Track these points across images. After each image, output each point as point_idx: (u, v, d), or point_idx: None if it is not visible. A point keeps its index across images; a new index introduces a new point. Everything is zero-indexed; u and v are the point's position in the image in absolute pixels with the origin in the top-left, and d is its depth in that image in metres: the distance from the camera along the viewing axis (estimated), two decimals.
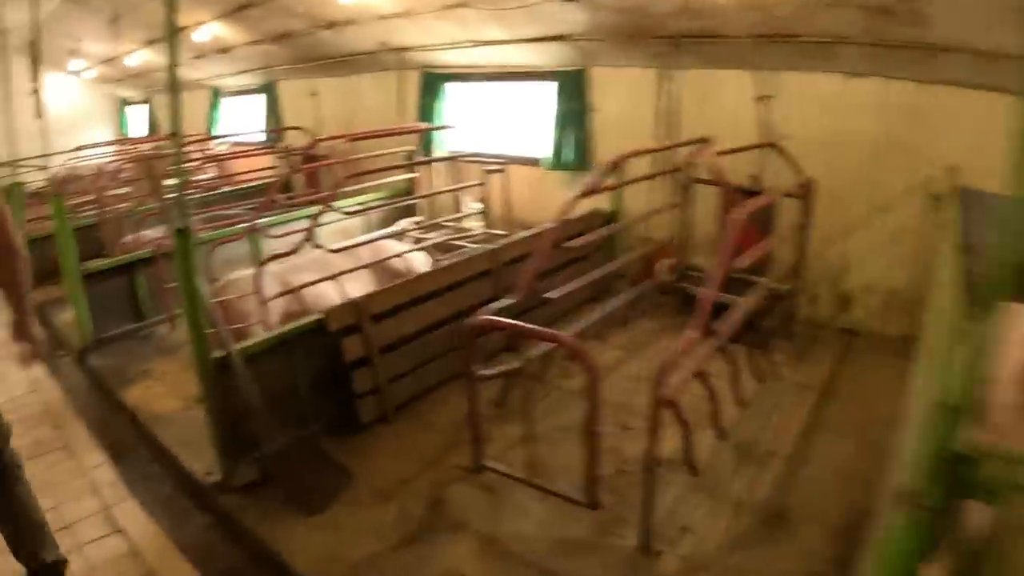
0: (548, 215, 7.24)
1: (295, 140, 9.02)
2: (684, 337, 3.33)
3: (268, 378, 3.92)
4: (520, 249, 5.57)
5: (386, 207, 6.89)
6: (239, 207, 7.94)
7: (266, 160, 9.12)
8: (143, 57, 9.88)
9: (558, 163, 7.11)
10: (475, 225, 7.18)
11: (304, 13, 7.01)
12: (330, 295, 5.21)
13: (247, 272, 5.23)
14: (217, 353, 3.67)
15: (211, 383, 3.67)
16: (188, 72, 10.61)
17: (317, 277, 5.16)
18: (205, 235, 6.20)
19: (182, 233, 3.45)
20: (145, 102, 13.72)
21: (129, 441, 4.56)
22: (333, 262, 5.50)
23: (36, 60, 6.35)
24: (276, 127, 9.86)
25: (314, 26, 7.21)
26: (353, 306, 4.24)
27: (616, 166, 4.38)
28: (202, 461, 4.06)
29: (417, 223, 6.95)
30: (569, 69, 6.90)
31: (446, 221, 6.73)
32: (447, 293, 4.88)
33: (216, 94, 11.43)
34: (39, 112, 6.32)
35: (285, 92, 9.97)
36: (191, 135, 10.31)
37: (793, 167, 5.14)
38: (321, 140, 6.13)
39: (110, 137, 13.54)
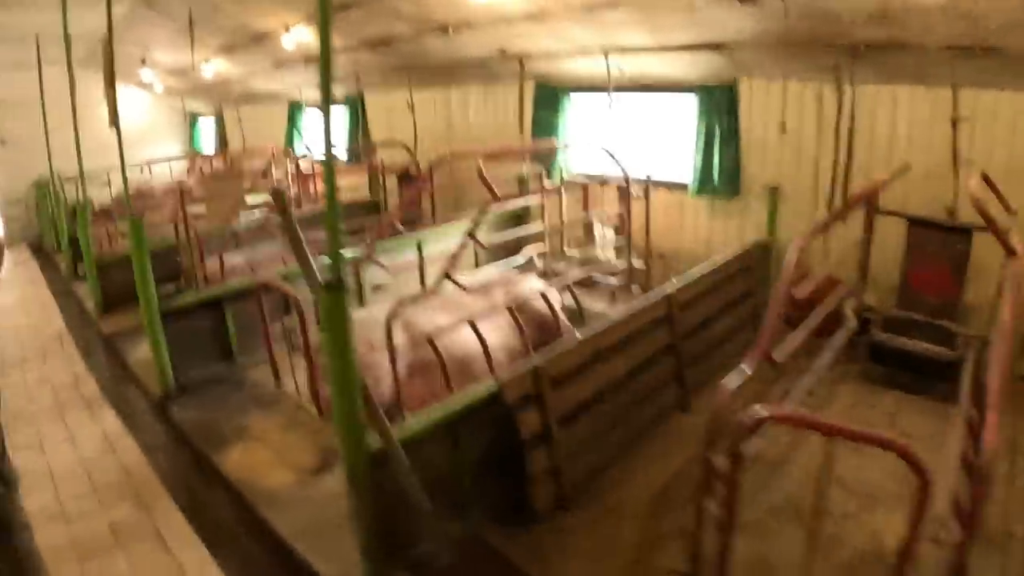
0: (691, 245, 6.39)
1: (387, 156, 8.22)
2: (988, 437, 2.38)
3: (425, 463, 3.00)
4: (695, 290, 4.61)
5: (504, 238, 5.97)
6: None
7: (352, 178, 8.30)
8: (217, 67, 9.18)
9: (704, 187, 6.15)
10: (608, 256, 6.24)
11: (413, 15, 6.19)
12: (467, 342, 4.29)
13: (364, 314, 4.34)
14: (374, 445, 2.76)
15: (364, 481, 2.74)
16: (265, 83, 9.94)
17: (449, 319, 4.24)
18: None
19: (334, 290, 2.54)
20: (215, 115, 13.12)
21: (233, 526, 3.64)
22: (462, 300, 4.61)
23: (110, 63, 5.61)
24: (362, 142, 9.08)
25: (422, 30, 6.39)
26: (532, 372, 3.28)
27: (864, 200, 3.42)
28: (335, 561, 3.15)
29: (541, 254, 6.03)
30: (715, 83, 5.96)
31: (576, 252, 5.80)
32: (625, 346, 3.92)
33: (295, 107, 10.76)
34: (113, 121, 5.55)
35: (372, 104, 9.19)
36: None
37: (1001, 200, 4.17)
38: (448, 156, 5.20)
39: (177, 152, 12.96)
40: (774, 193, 5.85)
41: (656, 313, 4.18)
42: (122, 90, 12.11)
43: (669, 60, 5.91)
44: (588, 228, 6.47)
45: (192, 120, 14.04)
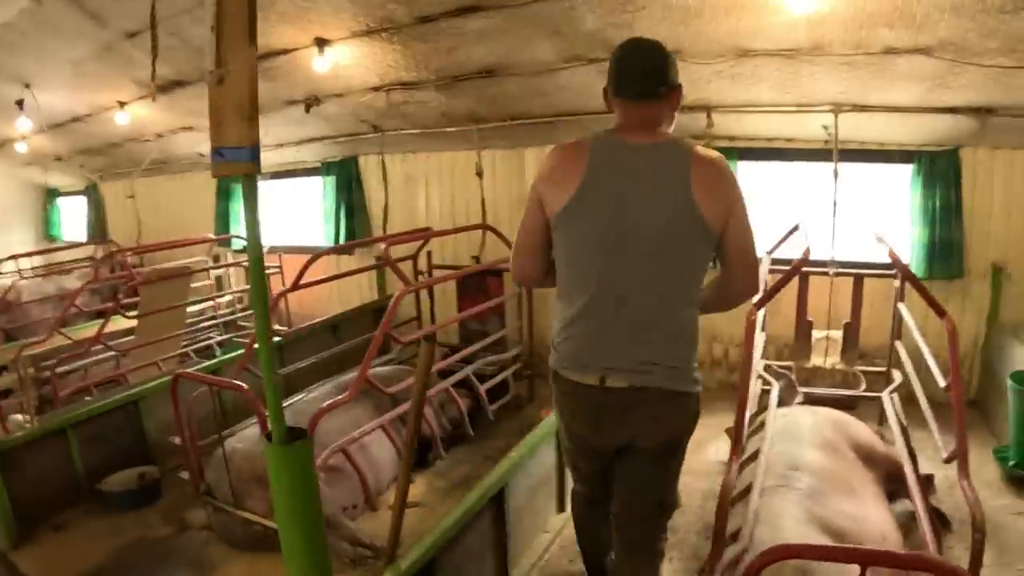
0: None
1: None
2: None
3: None
4: None
5: None
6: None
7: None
8: (138, 112, 6.18)
9: (928, 269, 4.97)
10: (832, 364, 4.65)
11: (589, 34, 4.22)
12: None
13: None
14: None
15: None
16: (192, 140, 7.01)
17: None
18: None
19: None
20: (85, 192, 9.23)
21: None
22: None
23: None
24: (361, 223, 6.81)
25: (579, 56, 4.45)
26: None
27: None
28: None
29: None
30: (936, 149, 4.82)
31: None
32: None
33: (230, 178, 7.67)
34: None
35: (376, 171, 6.82)
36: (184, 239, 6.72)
37: None
38: None
39: (32, 243, 9.02)
40: (999, 273, 4.86)
41: None
42: None
43: (900, 121, 4.67)
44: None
45: (50, 200, 10.09)
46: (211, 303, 6.99)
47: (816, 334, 4.81)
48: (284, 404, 3.74)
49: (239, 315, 7.20)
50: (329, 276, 5.10)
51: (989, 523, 3.42)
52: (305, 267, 4.53)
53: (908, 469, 3.20)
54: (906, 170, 4.95)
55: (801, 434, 3.23)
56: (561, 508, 3.71)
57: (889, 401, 3.96)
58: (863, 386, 4.50)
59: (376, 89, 5.40)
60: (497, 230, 5.40)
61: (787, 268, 4.39)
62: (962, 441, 2.56)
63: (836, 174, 4.85)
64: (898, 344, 4.35)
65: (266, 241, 7.16)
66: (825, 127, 4.80)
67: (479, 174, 6.09)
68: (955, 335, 2.85)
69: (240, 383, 3.26)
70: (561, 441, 2.51)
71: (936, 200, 4.82)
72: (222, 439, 3.39)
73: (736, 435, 2.62)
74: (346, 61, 4.91)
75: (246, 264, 6.95)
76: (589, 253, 2.07)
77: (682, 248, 2.03)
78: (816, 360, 4.74)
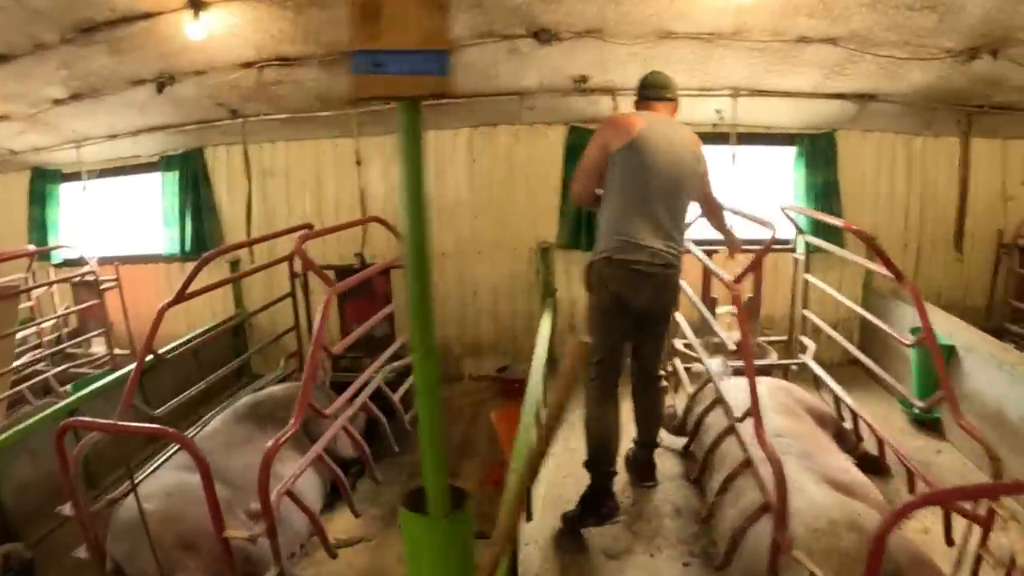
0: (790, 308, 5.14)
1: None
2: None
3: None
4: None
5: None
6: None
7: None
8: None
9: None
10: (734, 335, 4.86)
11: (511, 11, 3.97)
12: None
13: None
14: None
15: None
16: (2, 134, 5.69)
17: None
18: None
19: None
20: None
21: None
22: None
23: None
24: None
25: (496, 33, 4.16)
26: None
27: None
28: None
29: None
30: (814, 132, 5.24)
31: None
32: None
33: (46, 178, 6.39)
34: None
35: (226, 163, 6.05)
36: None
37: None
38: None
39: None
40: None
41: None
42: None
43: (788, 106, 4.98)
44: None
45: None
46: (34, 329, 5.76)
47: (719, 309, 5.02)
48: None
49: (67, 343, 6.01)
50: (213, 284, 4.33)
51: (915, 460, 3.74)
52: (193, 274, 3.80)
53: (868, 421, 3.45)
54: (789, 151, 5.30)
55: (764, 403, 3.33)
56: (529, 517, 3.49)
57: (817, 366, 4.22)
58: (774, 355, 4.76)
59: (248, 65, 4.73)
60: (390, 224, 4.97)
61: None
62: (947, 387, 2.77)
63: (734, 156, 5.09)
64: (807, 312, 4.66)
65: (96, 251, 6.16)
66: (718, 111, 5.01)
67: (359, 163, 5.64)
68: (918, 293, 3.08)
69: (163, 427, 2.63)
70: (599, 315, 3.29)
71: (817, 178, 5.22)
72: (136, 489, 2.70)
73: (754, 406, 2.63)
74: (220, 30, 4.21)
75: (75, 280, 5.84)
76: (640, 179, 3.12)
77: (689, 181, 3.26)
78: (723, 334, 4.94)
